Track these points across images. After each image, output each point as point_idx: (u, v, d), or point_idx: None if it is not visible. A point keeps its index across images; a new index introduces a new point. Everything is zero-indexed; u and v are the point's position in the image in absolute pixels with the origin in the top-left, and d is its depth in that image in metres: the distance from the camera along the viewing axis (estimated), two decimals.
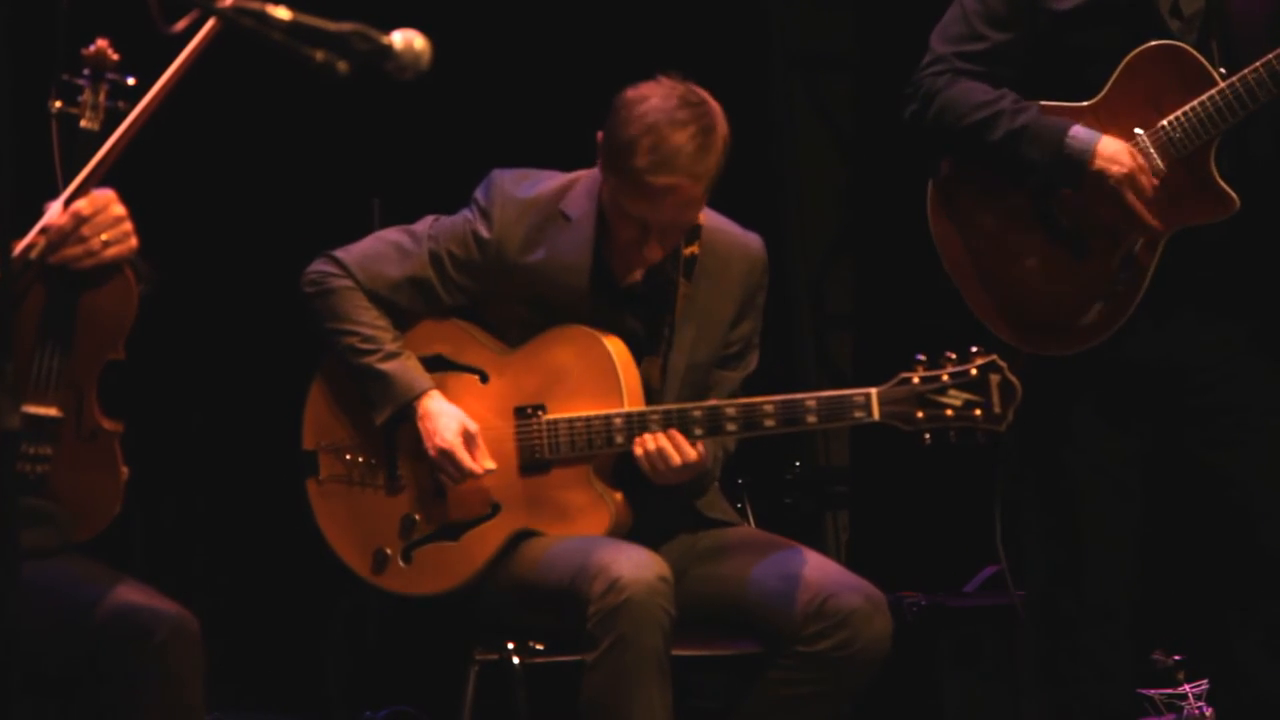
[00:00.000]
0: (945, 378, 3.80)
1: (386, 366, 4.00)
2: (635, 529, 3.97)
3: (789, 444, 6.24)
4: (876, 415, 3.82)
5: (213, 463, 5.49)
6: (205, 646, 3.29)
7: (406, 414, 3.99)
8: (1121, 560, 3.93)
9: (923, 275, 6.22)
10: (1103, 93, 3.85)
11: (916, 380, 3.81)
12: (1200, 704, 4.78)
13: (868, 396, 3.82)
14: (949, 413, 3.79)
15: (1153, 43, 3.83)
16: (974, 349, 3.80)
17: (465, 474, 3.95)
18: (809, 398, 3.86)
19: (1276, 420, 3.91)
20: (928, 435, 3.81)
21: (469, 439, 3.96)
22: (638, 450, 3.87)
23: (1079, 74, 3.87)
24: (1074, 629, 3.91)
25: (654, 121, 3.83)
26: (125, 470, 3.37)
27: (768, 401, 3.88)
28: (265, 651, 5.58)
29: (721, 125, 3.89)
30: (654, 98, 3.86)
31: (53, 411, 3.23)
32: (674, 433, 3.87)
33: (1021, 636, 4.10)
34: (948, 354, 3.81)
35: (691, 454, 3.87)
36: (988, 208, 3.95)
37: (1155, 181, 3.80)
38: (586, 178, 4.04)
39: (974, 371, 3.79)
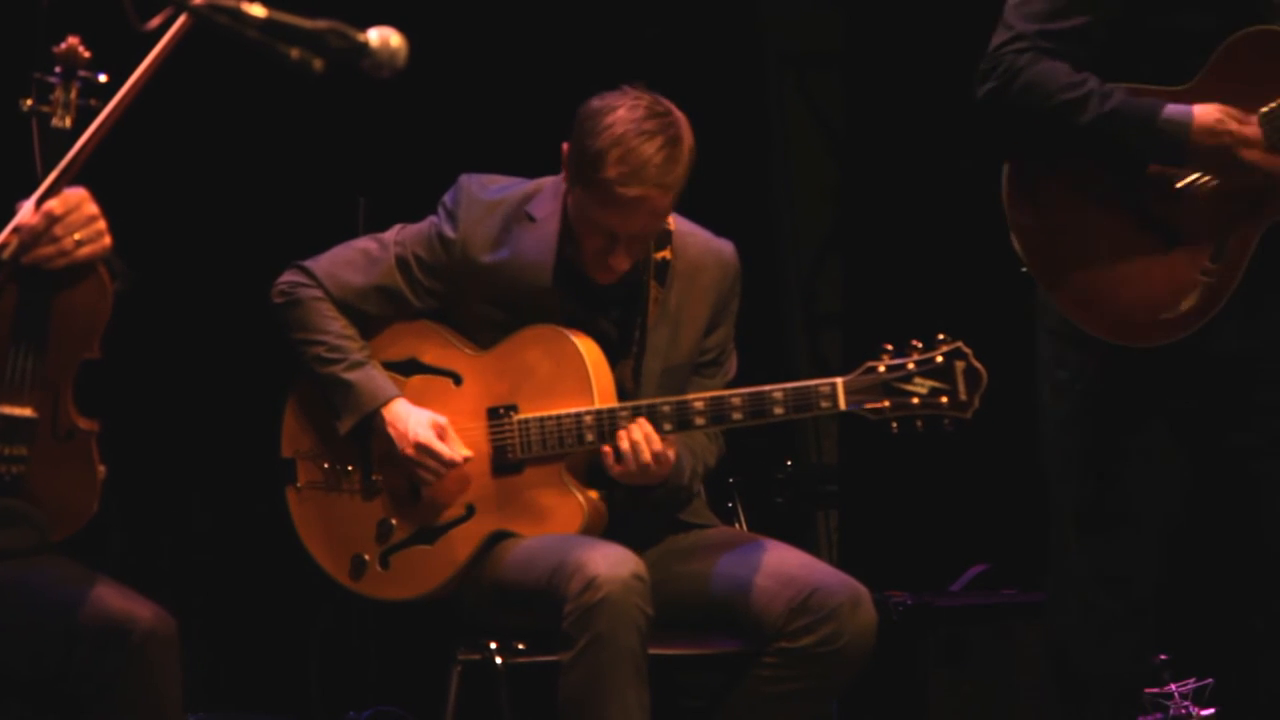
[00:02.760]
0: (911, 366, 3.80)
1: (351, 376, 4.01)
2: (617, 538, 3.95)
3: (780, 443, 6.23)
4: (842, 405, 3.82)
5: (192, 461, 5.49)
6: (183, 647, 3.29)
7: (372, 423, 4.00)
8: (1159, 559, 3.84)
9: (912, 273, 6.27)
10: (1196, 79, 3.73)
11: (882, 369, 3.81)
12: (1187, 703, 4.76)
13: (833, 386, 3.82)
14: (915, 401, 3.79)
15: (1254, 28, 3.71)
16: (940, 336, 3.78)
17: (445, 464, 3.96)
18: (775, 389, 3.86)
19: None
20: (895, 424, 3.80)
21: (441, 431, 3.97)
22: (609, 459, 3.87)
23: (1165, 59, 3.75)
24: (1111, 626, 3.84)
25: (622, 133, 3.84)
26: (102, 469, 3.36)
27: (735, 394, 3.89)
28: (247, 652, 5.57)
29: (688, 135, 3.91)
30: (620, 108, 3.88)
31: (27, 412, 3.22)
32: (642, 421, 3.87)
33: (1041, 630, 4.01)
34: (914, 342, 3.80)
35: (658, 442, 3.86)
36: (1068, 193, 3.79)
37: (1258, 132, 3.67)
38: (553, 181, 4.07)
39: (939, 359, 3.79)
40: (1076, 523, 3.87)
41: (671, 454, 3.92)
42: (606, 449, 3.89)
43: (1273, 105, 3.71)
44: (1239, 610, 3.90)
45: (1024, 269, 3.82)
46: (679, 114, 3.92)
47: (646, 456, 3.86)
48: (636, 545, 3.95)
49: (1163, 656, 4.76)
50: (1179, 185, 3.75)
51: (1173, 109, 3.71)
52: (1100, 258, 3.79)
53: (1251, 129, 3.69)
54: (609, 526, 3.99)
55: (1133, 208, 3.79)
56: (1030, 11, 3.80)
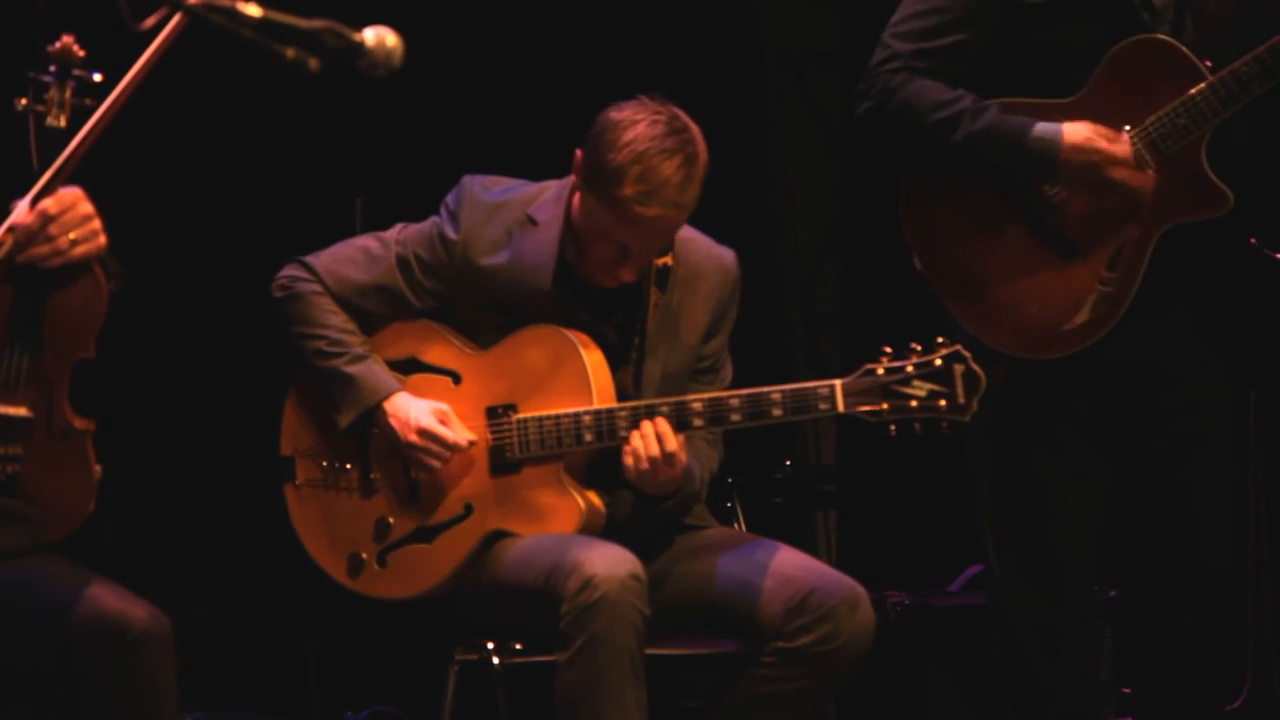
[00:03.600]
0: (910, 368, 3.80)
1: (353, 369, 4.01)
2: (619, 541, 3.95)
3: (780, 443, 6.23)
4: (841, 407, 3.81)
5: (189, 460, 5.49)
6: (179, 646, 3.29)
7: (373, 417, 3.99)
8: (1088, 564, 3.92)
9: (911, 274, 6.27)
10: (1085, 89, 3.79)
11: (881, 371, 3.81)
12: None
13: (832, 388, 3.82)
14: (913, 403, 3.79)
15: (1137, 37, 3.77)
16: (939, 339, 3.79)
17: (449, 448, 3.95)
18: (774, 390, 3.86)
19: (1221, 427, 3.89)
20: (893, 426, 3.80)
21: (444, 417, 3.97)
22: (627, 459, 3.87)
23: (1052, 71, 3.81)
24: (1051, 634, 3.90)
25: (643, 150, 3.83)
26: (98, 469, 3.36)
27: (733, 395, 3.88)
28: (243, 652, 5.57)
29: (703, 151, 3.90)
30: (641, 124, 3.85)
31: (22, 411, 3.22)
32: (660, 420, 3.86)
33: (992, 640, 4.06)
34: (913, 345, 3.80)
35: (671, 442, 3.85)
36: (966, 209, 3.88)
37: (1128, 149, 3.73)
38: (556, 185, 4.06)
39: (938, 362, 3.79)
40: (1000, 534, 3.95)
41: (684, 457, 3.90)
42: (629, 461, 3.88)
43: (1146, 122, 3.75)
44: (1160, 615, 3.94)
45: (929, 288, 3.87)
46: (695, 128, 3.91)
47: (655, 450, 3.85)
48: (646, 556, 3.94)
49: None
50: (1055, 200, 3.80)
51: (1042, 127, 3.76)
52: (999, 272, 3.87)
53: (1120, 147, 3.73)
54: (618, 534, 3.98)
55: (1027, 222, 3.85)
56: (906, 31, 3.87)
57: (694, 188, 3.88)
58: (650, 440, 3.85)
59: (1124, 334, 3.80)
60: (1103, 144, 3.75)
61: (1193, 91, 3.73)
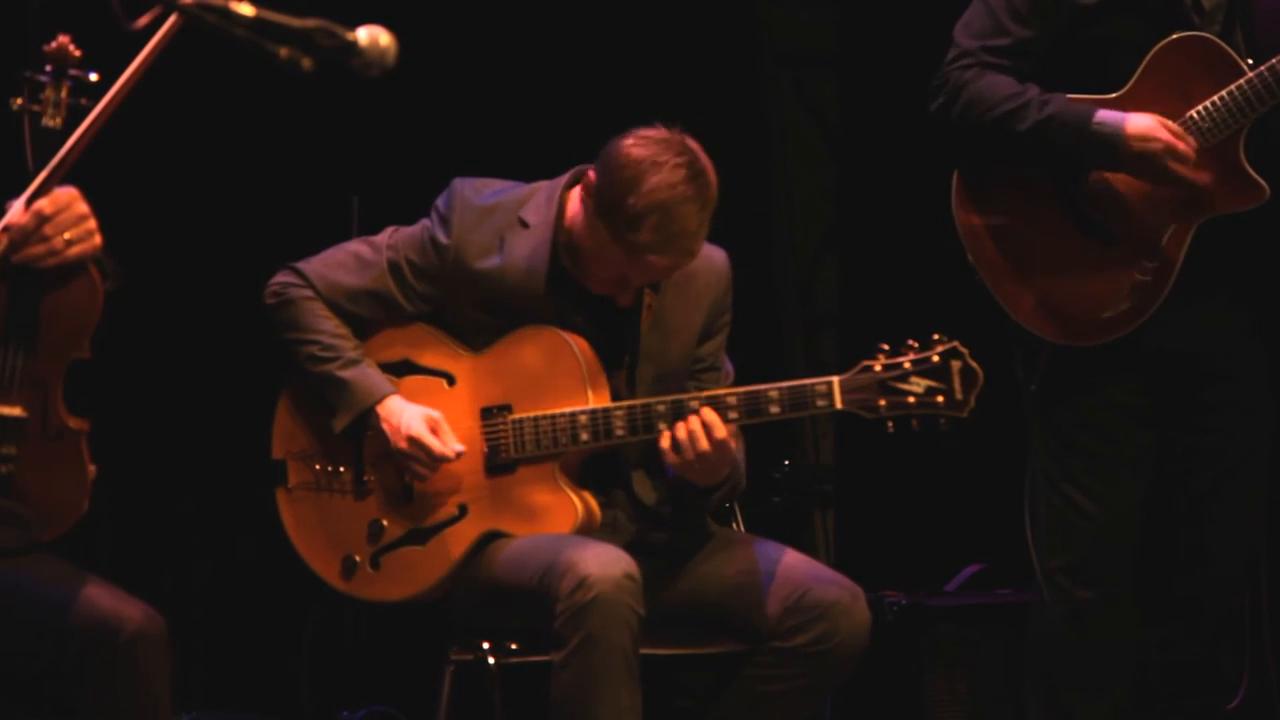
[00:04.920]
0: (907, 365, 3.80)
1: (346, 374, 4.01)
2: (659, 553, 3.99)
3: (778, 443, 6.22)
4: (839, 404, 3.82)
5: (183, 461, 5.48)
6: (174, 647, 3.28)
7: (367, 420, 3.99)
8: (1127, 552, 3.97)
9: (910, 274, 6.26)
10: (1129, 85, 3.89)
11: (879, 368, 3.81)
12: None
13: (829, 385, 3.82)
14: (911, 400, 3.79)
15: (1179, 34, 3.87)
16: (935, 336, 3.80)
17: (436, 459, 3.95)
18: (771, 388, 3.86)
19: (1261, 427, 3.97)
20: (891, 423, 3.81)
21: (435, 426, 3.96)
22: (671, 456, 3.86)
23: (1102, 68, 3.92)
24: (1086, 619, 3.95)
25: (664, 200, 3.82)
26: (92, 469, 3.35)
27: (731, 393, 3.88)
28: (238, 652, 5.56)
29: (715, 191, 3.90)
30: (664, 169, 3.83)
31: (16, 411, 3.21)
32: (706, 409, 3.84)
33: (1028, 627, 4.11)
34: (910, 341, 3.81)
35: (720, 430, 3.83)
36: (1013, 199, 3.98)
37: (1195, 143, 3.83)
38: (547, 186, 4.06)
39: (936, 358, 3.80)
40: (1044, 518, 4.02)
41: (734, 445, 3.88)
42: (665, 438, 3.86)
43: (1186, 116, 3.85)
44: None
45: (976, 275, 3.92)
46: (709, 166, 3.90)
47: (704, 444, 3.83)
48: (678, 552, 3.98)
49: None
50: (1096, 190, 3.90)
51: (1104, 114, 3.87)
52: (1043, 261, 3.97)
53: (1184, 142, 3.81)
54: (615, 534, 3.99)
55: (1071, 211, 3.95)
56: (975, 29, 4.00)
57: (705, 231, 3.91)
58: (699, 433, 3.84)
59: (1164, 323, 3.89)
60: (1165, 135, 3.83)
61: (1232, 86, 3.82)
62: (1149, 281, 3.88)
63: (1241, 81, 3.82)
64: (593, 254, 3.94)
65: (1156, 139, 3.82)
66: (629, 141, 3.89)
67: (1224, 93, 3.83)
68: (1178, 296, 3.88)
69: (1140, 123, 3.83)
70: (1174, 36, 3.87)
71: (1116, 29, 3.90)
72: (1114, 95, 3.90)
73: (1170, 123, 3.84)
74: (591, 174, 3.94)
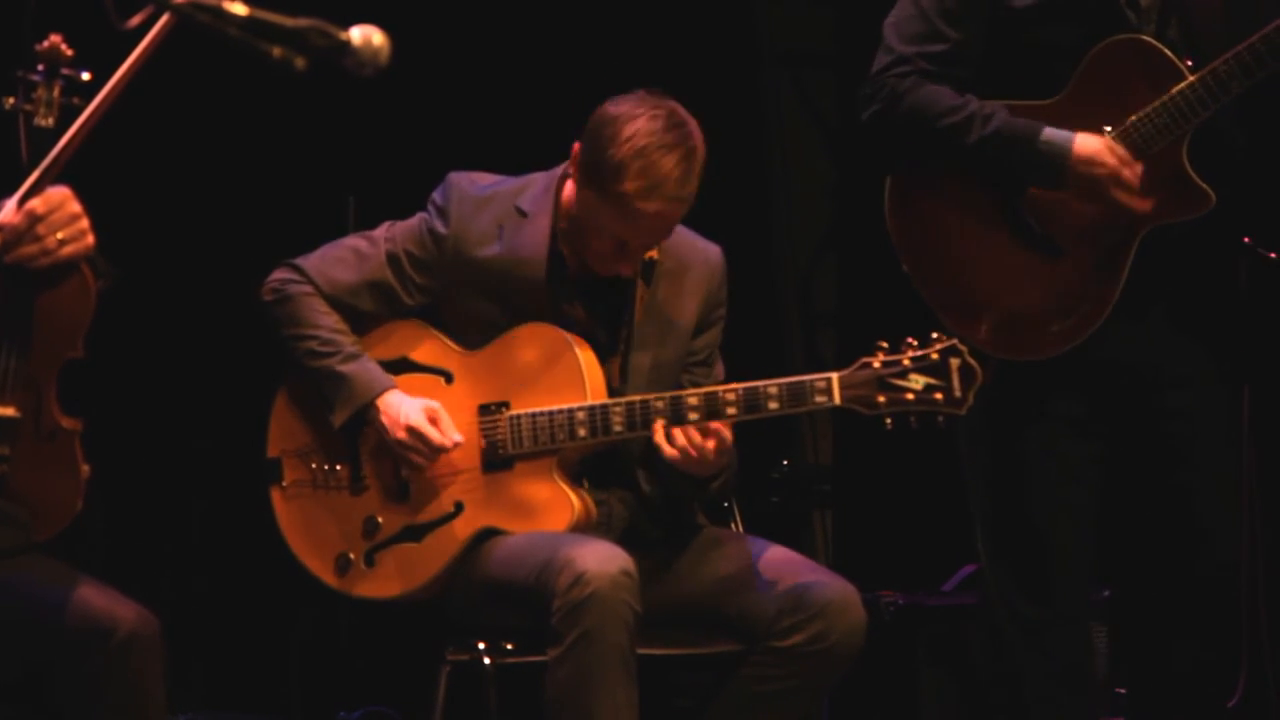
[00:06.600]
0: (906, 362, 3.80)
1: (345, 368, 4.01)
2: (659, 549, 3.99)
3: (777, 443, 6.22)
4: (838, 400, 3.81)
5: (177, 461, 5.48)
6: (168, 647, 3.28)
7: (366, 415, 3.99)
8: (1079, 564, 3.91)
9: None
10: (1066, 90, 3.78)
11: (877, 364, 3.80)
12: None
13: (828, 381, 3.82)
14: (909, 396, 3.79)
15: (1116, 37, 3.75)
16: (934, 334, 3.79)
17: (435, 449, 3.95)
18: (770, 384, 3.85)
19: (1218, 427, 3.89)
20: (889, 420, 3.80)
21: (434, 416, 3.97)
22: (673, 454, 3.85)
23: (1038, 71, 3.80)
24: (1039, 633, 3.89)
25: (643, 146, 3.83)
26: (86, 469, 3.35)
27: (729, 389, 3.87)
28: (233, 652, 5.56)
29: (701, 145, 3.91)
30: (640, 118, 3.86)
31: (10, 412, 3.21)
32: (714, 424, 3.85)
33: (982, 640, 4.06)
34: (908, 339, 3.80)
35: (727, 436, 3.84)
36: (951, 207, 3.87)
37: (1139, 169, 3.73)
38: (543, 176, 4.08)
39: (934, 355, 3.79)
40: (989, 534, 3.94)
41: (729, 435, 3.87)
42: (658, 430, 3.86)
43: (1126, 123, 3.74)
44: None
45: (914, 287, 3.87)
46: (693, 122, 3.91)
47: (707, 447, 3.85)
48: (674, 546, 3.97)
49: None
50: (1040, 202, 3.79)
51: (1051, 133, 3.76)
52: (984, 272, 3.86)
53: (1130, 170, 3.72)
54: (613, 530, 3.99)
55: (1011, 223, 3.84)
56: (908, 33, 3.88)
57: (694, 181, 3.89)
58: (693, 432, 3.84)
59: (1111, 334, 3.79)
60: (1112, 160, 3.73)
61: (1173, 91, 3.71)
62: (1095, 293, 3.77)
63: (1183, 86, 3.69)
64: (588, 225, 3.94)
65: (1103, 164, 3.71)
66: (607, 104, 3.93)
67: (1164, 99, 3.70)
68: (1125, 307, 3.76)
69: (1088, 145, 3.72)
70: (1110, 40, 3.75)
71: (1052, 31, 3.78)
72: (1049, 102, 3.78)
73: (1118, 147, 3.72)
74: (576, 147, 3.95)
